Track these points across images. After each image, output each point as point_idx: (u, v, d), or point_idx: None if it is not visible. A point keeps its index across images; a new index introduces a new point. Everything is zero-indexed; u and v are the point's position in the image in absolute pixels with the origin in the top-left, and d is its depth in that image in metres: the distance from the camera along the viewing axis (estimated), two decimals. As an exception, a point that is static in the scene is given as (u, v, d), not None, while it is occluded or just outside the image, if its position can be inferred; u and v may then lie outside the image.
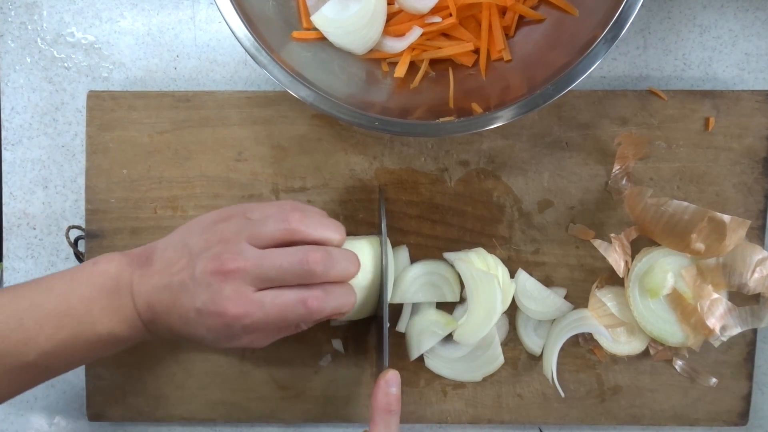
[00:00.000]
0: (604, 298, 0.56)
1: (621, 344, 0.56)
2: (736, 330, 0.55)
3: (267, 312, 0.45)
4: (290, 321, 0.45)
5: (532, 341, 0.57)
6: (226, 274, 0.44)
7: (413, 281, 0.56)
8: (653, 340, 0.56)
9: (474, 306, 0.53)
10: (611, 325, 0.55)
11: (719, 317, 0.54)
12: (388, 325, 0.49)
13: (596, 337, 0.56)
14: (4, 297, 0.46)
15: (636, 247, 0.56)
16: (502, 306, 0.53)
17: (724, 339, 0.55)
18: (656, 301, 0.55)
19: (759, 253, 0.54)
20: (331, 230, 0.48)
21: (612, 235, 0.56)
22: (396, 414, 0.48)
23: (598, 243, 0.56)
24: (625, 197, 0.56)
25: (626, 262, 0.56)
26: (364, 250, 0.52)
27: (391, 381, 0.48)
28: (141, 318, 0.47)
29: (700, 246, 0.53)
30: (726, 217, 0.52)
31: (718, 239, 0.53)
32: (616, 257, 0.55)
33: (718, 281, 0.54)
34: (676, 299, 0.55)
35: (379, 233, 0.49)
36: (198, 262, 0.45)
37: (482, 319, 0.53)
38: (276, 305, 0.45)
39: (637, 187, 0.55)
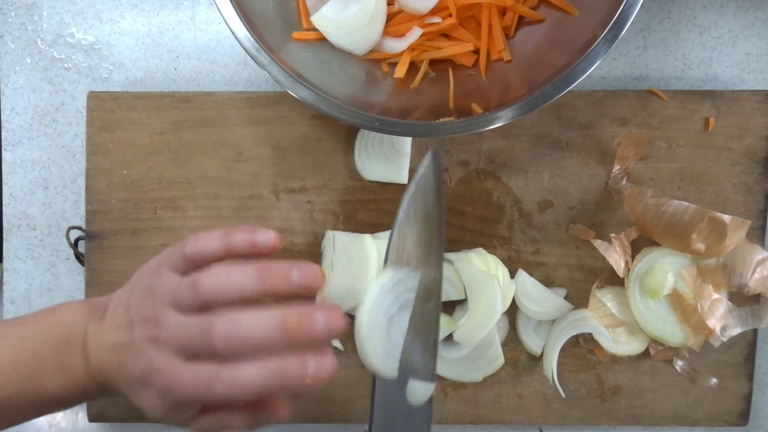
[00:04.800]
0: (604, 298, 0.56)
1: (621, 344, 0.56)
2: (736, 330, 0.55)
3: (185, 386, 0.38)
4: (213, 399, 0.38)
5: (532, 341, 0.57)
6: (156, 342, 0.39)
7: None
8: (653, 341, 0.56)
9: (474, 306, 0.53)
10: (611, 325, 0.55)
11: (719, 317, 0.54)
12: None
13: (596, 337, 0.56)
14: None
15: (636, 247, 0.56)
16: (502, 306, 0.53)
17: (725, 339, 0.55)
18: (656, 301, 0.55)
19: (759, 254, 0.54)
20: (245, 276, 0.39)
21: (612, 235, 0.56)
22: None
23: (598, 243, 0.56)
24: (626, 197, 0.56)
25: (626, 262, 0.56)
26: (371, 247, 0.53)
27: None
28: (94, 379, 0.42)
29: (700, 246, 0.53)
30: (726, 218, 0.52)
31: (719, 239, 0.53)
32: (616, 257, 0.55)
33: (718, 281, 0.54)
34: (676, 299, 0.55)
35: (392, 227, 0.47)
36: (135, 326, 0.41)
37: (482, 320, 0.53)
38: (193, 380, 0.38)
39: (638, 187, 0.55)
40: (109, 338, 0.41)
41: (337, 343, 0.57)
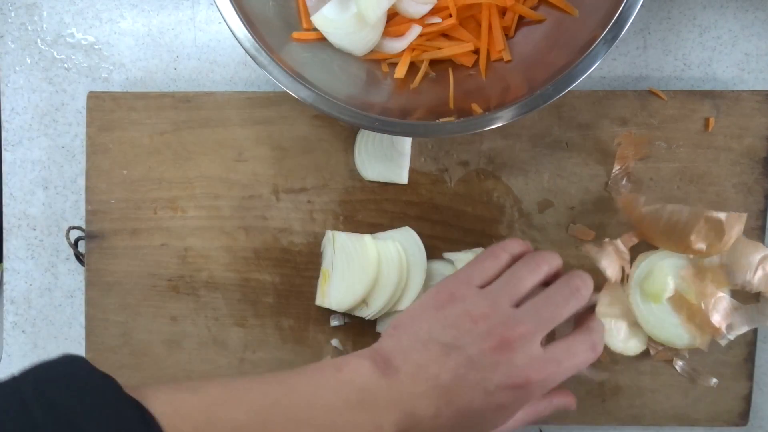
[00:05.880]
0: (605, 298, 0.56)
1: (621, 344, 0.56)
2: (743, 328, 0.54)
3: (563, 366, 0.44)
4: (580, 369, 0.45)
5: (532, 341, 0.57)
6: (511, 344, 0.42)
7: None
8: (653, 340, 0.56)
9: (474, 306, 0.53)
10: (610, 316, 0.55)
11: (724, 315, 0.54)
12: None
13: (596, 337, 0.56)
14: (243, 389, 0.40)
15: (635, 252, 0.56)
16: (502, 306, 0.53)
17: (731, 338, 0.54)
18: (659, 305, 0.55)
19: (761, 251, 0.54)
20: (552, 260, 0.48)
21: (606, 240, 0.55)
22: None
23: (589, 248, 0.55)
24: (620, 205, 0.55)
25: (622, 267, 0.55)
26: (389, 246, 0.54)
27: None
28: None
29: (701, 246, 0.53)
30: (722, 215, 0.52)
31: (718, 237, 0.53)
32: (606, 263, 0.54)
33: (720, 280, 0.54)
34: (679, 301, 0.54)
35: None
36: (467, 348, 0.42)
37: (482, 320, 0.53)
38: (569, 354, 0.44)
39: (631, 195, 0.54)
40: (417, 385, 0.42)
41: (336, 343, 0.57)
